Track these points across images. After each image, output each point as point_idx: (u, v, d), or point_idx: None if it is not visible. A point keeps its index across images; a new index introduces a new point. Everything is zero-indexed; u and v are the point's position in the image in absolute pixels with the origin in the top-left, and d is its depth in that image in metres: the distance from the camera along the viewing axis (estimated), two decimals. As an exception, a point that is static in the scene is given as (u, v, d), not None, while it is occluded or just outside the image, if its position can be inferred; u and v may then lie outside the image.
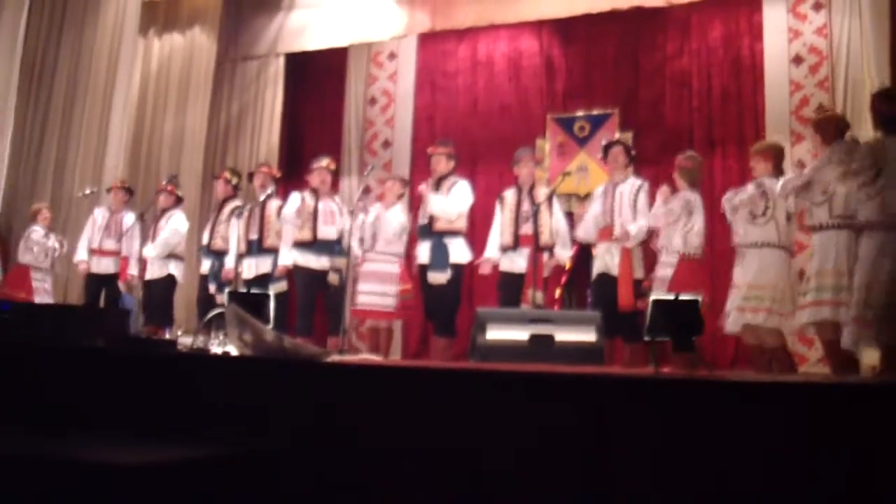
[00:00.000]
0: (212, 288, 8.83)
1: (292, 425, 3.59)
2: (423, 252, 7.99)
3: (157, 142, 10.82)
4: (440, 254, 7.87)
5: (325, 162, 8.69)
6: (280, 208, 8.64)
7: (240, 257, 8.59)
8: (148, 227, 9.10)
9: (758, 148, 7.04)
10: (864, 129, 6.80)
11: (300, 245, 8.41)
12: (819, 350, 8.24)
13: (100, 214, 9.46)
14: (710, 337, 8.32)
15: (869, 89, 6.66)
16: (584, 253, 8.12)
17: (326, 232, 8.37)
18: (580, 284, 8.55)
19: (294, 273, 8.52)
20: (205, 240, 9.13)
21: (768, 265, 6.42)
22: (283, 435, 3.57)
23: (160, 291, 9.20)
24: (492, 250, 8.00)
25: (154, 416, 3.78)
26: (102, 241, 9.34)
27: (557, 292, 8.93)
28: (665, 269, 7.16)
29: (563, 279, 8.94)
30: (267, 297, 5.86)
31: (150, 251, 9.03)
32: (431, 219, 7.95)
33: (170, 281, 9.30)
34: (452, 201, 7.95)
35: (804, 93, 9.29)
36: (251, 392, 3.74)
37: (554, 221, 7.82)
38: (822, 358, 7.93)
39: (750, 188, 6.59)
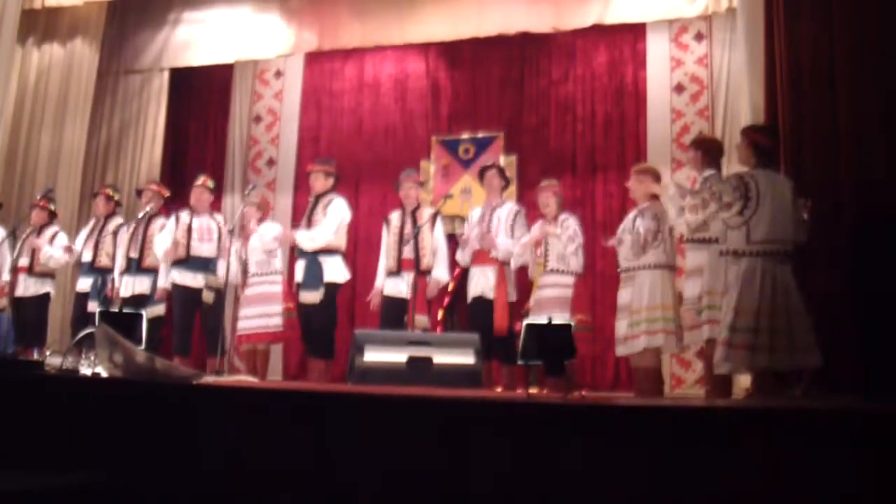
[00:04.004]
0: (93, 306, 8.52)
1: (160, 449, 3.51)
2: (299, 271, 7.95)
3: (33, 156, 10.42)
4: (313, 272, 7.83)
5: (200, 180, 8.63)
6: (163, 227, 8.51)
7: (119, 275, 8.44)
8: (21, 242, 8.86)
9: (640, 168, 7.16)
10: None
11: (176, 263, 8.30)
12: (696, 372, 8.41)
13: None
14: (591, 359, 8.44)
15: (745, 120, 6.83)
16: (466, 275, 8.12)
17: (201, 249, 8.26)
18: (462, 307, 8.55)
19: (172, 291, 8.38)
20: (87, 257, 8.85)
21: (658, 286, 6.51)
22: (151, 460, 3.48)
23: (35, 310, 8.94)
24: (380, 278, 8.00)
25: (18, 441, 3.66)
26: None
27: (440, 314, 8.92)
28: (550, 289, 7.22)
29: (446, 301, 8.94)
30: (139, 317, 5.73)
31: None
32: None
33: (45, 299, 9.05)
34: (321, 228, 7.92)
35: (685, 120, 9.49)
36: (119, 415, 3.65)
37: (434, 243, 7.81)
38: (700, 380, 8.08)
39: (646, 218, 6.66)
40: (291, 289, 8.24)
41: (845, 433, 2.81)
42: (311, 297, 7.78)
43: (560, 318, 6.48)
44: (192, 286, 8.22)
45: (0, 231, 8.98)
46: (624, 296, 6.73)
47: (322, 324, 7.88)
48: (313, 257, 7.84)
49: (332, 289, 7.88)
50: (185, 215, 8.42)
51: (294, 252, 8.10)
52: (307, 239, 7.88)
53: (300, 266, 7.95)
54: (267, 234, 8.11)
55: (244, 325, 8.06)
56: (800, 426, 2.88)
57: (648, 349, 6.52)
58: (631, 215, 6.87)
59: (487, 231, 7.65)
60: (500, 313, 7.39)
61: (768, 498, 2.78)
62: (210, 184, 8.69)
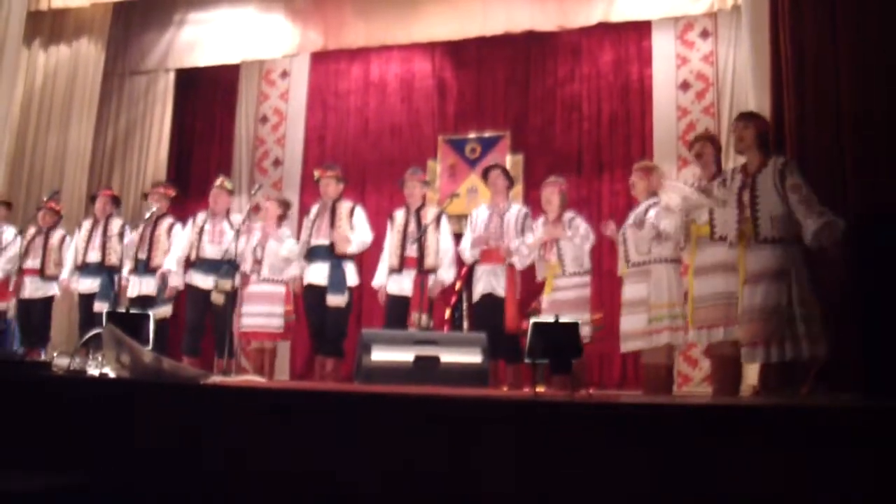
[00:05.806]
0: (101, 306, 8.49)
1: (166, 449, 3.51)
2: (318, 273, 7.98)
3: (39, 157, 10.42)
4: (339, 277, 7.89)
5: (218, 181, 8.71)
6: (170, 227, 8.59)
7: (128, 275, 8.49)
8: (30, 243, 8.92)
9: (640, 166, 7.14)
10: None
11: (191, 264, 8.44)
12: (703, 370, 8.40)
13: None
14: (598, 357, 8.43)
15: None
16: (472, 273, 8.13)
17: (211, 251, 8.30)
18: (469, 305, 8.56)
19: (186, 292, 8.47)
20: (94, 257, 8.86)
21: (674, 281, 6.48)
22: (156, 460, 3.49)
23: (40, 311, 8.97)
24: (380, 276, 8.02)
25: (24, 441, 3.67)
26: None
27: (447, 313, 8.91)
28: (569, 291, 7.21)
29: (453, 300, 8.93)
30: (146, 317, 5.73)
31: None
32: (333, 242, 7.94)
33: (51, 300, 9.10)
34: (362, 234, 8.09)
35: (691, 118, 9.49)
36: (124, 416, 3.65)
37: (440, 243, 7.83)
38: (707, 377, 8.07)
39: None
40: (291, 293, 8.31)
41: (845, 432, 2.81)
42: (338, 300, 7.86)
43: (581, 319, 6.40)
44: (202, 287, 8.25)
45: (11, 231, 9.01)
46: (637, 290, 6.62)
47: (341, 325, 7.97)
48: (337, 262, 7.94)
49: (351, 292, 8.02)
50: (200, 217, 8.53)
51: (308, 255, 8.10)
52: (359, 245, 8.08)
53: (320, 268, 7.99)
54: (287, 247, 8.19)
55: (248, 323, 8.13)
56: (800, 426, 2.87)
57: (662, 346, 6.48)
58: (641, 208, 6.81)
59: (500, 239, 7.65)
60: (512, 311, 7.40)
61: (768, 498, 2.78)
62: (228, 185, 8.75)
